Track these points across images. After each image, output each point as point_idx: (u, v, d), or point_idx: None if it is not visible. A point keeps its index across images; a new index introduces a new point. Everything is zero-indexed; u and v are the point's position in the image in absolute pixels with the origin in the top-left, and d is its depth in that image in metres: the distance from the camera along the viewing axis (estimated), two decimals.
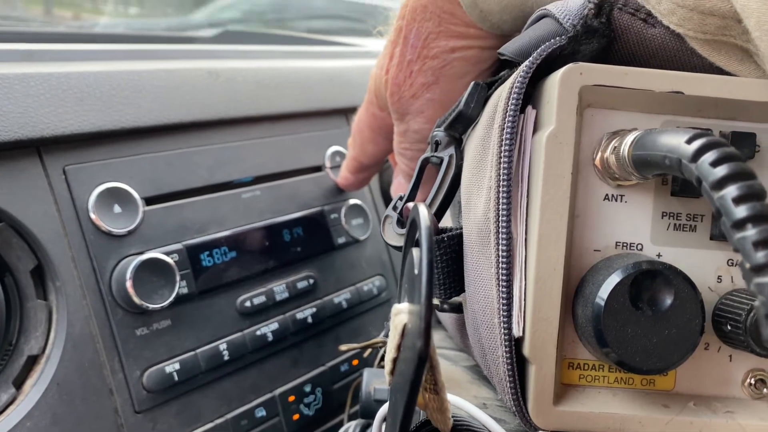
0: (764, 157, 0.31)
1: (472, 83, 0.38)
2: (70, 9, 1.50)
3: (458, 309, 0.39)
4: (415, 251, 0.26)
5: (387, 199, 0.74)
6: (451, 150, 0.40)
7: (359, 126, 0.57)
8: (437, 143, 0.41)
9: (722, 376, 0.32)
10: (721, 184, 0.22)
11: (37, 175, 0.49)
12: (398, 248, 0.39)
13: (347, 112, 0.72)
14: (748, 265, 0.21)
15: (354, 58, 0.84)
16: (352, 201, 0.68)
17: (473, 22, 0.43)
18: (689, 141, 0.24)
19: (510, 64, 0.37)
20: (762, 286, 0.21)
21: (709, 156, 0.23)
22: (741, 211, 0.21)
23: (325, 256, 0.65)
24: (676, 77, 0.30)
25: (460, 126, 0.39)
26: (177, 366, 0.51)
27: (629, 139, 0.28)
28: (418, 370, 0.22)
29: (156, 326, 0.51)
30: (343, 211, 0.67)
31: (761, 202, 0.21)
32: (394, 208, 0.42)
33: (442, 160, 0.40)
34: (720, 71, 0.30)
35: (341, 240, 0.66)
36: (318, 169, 0.68)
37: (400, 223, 0.41)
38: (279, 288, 0.59)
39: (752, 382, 0.32)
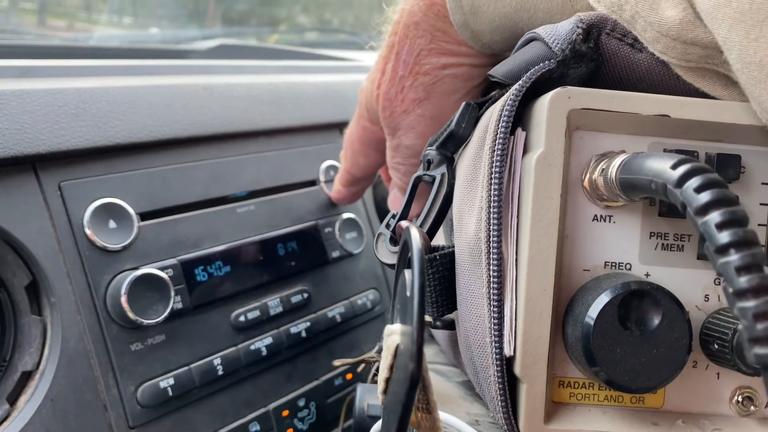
0: (749, 178, 0.32)
1: (464, 104, 0.39)
2: (64, 19, 1.51)
3: (451, 326, 0.39)
4: (407, 273, 0.27)
5: (381, 213, 0.74)
6: (443, 169, 0.40)
7: (350, 139, 0.57)
8: (429, 162, 0.41)
9: (710, 394, 0.32)
10: (704, 210, 0.22)
11: (33, 191, 0.49)
12: (391, 266, 0.39)
13: (341, 127, 0.73)
14: (731, 290, 0.22)
15: (348, 72, 0.84)
16: (346, 215, 0.69)
17: (464, 40, 0.43)
18: (674, 167, 0.24)
19: (500, 84, 0.38)
20: (745, 311, 0.21)
21: (694, 182, 0.23)
22: (724, 237, 0.22)
23: (319, 270, 0.65)
24: (663, 101, 0.30)
25: (451, 145, 0.40)
26: (171, 381, 0.51)
27: (616, 162, 0.29)
28: (410, 392, 0.23)
29: (150, 341, 0.51)
30: (337, 225, 0.67)
31: (743, 228, 0.22)
32: (387, 225, 0.43)
33: (434, 178, 0.40)
34: (705, 95, 0.31)
35: (335, 254, 0.67)
36: (312, 183, 0.68)
37: (393, 241, 0.42)
38: (273, 302, 0.60)
39: (740, 399, 0.32)
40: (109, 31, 1.41)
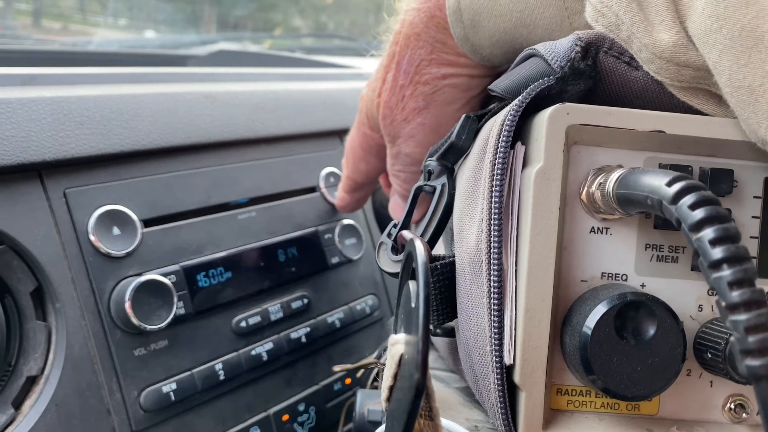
0: (742, 192, 0.33)
1: (463, 116, 0.40)
2: (59, 21, 1.51)
3: (451, 333, 0.40)
4: (411, 284, 0.27)
5: (380, 219, 0.75)
6: (444, 179, 0.41)
7: (352, 145, 0.58)
8: (430, 172, 0.42)
9: (704, 401, 0.33)
10: (698, 226, 0.23)
11: (38, 198, 0.49)
12: (393, 275, 0.40)
13: (341, 134, 0.73)
14: (723, 304, 0.22)
15: (347, 80, 0.85)
16: (345, 221, 0.69)
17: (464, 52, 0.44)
18: (670, 184, 0.25)
19: (499, 97, 0.39)
20: (737, 324, 0.22)
21: (688, 199, 0.24)
22: (717, 253, 0.23)
23: (319, 275, 0.66)
24: (658, 117, 0.31)
25: (452, 156, 0.41)
26: (174, 386, 0.52)
27: (613, 177, 0.30)
28: (416, 400, 0.24)
29: (153, 347, 0.52)
30: (336, 231, 0.68)
31: (736, 244, 0.23)
32: (389, 235, 0.44)
33: (434, 188, 0.41)
34: (699, 111, 0.32)
35: (335, 260, 0.67)
36: (312, 190, 0.69)
37: (395, 250, 0.43)
38: (274, 308, 0.61)
39: (732, 406, 0.33)
40: (106, 34, 1.42)
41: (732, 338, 0.29)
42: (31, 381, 0.47)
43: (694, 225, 0.24)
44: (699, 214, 0.24)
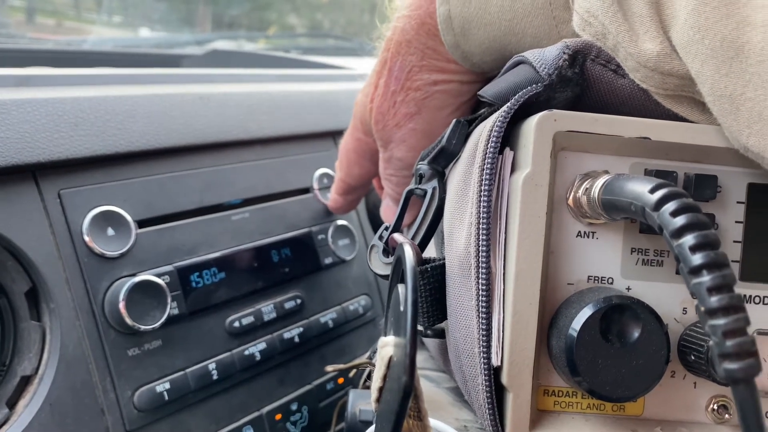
0: (725, 197, 0.33)
1: (454, 121, 0.40)
2: (52, 17, 1.51)
3: (441, 335, 0.40)
4: (400, 288, 0.28)
5: (373, 220, 0.76)
6: (434, 183, 0.42)
7: (345, 149, 0.59)
8: (421, 176, 0.43)
9: (687, 402, 0.34)
10: (679, 233, 0.24)
11: (33, 199, 0.50)
12: (384, 277, 0.41)
13: (335, 135, 0.74)
14: (702, 309, 0.23)
15: (341, 81, 0.86)
16: (339, 222, 0.70)
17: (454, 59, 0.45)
18: (652, 191, 0.26)
19: (489, 102, 0.39)
20: (715, 328, 0.23)
21: (670, 206, 0.25)
22: (696, 259, 0.23)
23: (312, 276, 0.66)
24: (644, 124, 0.32)
25: (442, 160, 0.41)
26: (167, 385, 0.52)
27: (599, 182, 0.30)
28: (403, 402, 0.24)
29: (147, 346, 0.52)
30: (330, 231, 0.69)
31: (715, 250, 0.23)
32: (380, 237, 0.44)
33: (425, 192, 0.42)
34: (684, 119, 0.32)
35: (328, 260, 0.68)
36: (306, 191, 0.69)
37: (386, 252, 0.43)
38: (267, 308, 0.61)
39: (715, 407, 0.34)
40: (101, 32, 1.42)
41: (711, 343, 0.30)
42: (26, 381, 0.48)
43: (675, 231, 0.24)
44: (680, 220, 0.24)
